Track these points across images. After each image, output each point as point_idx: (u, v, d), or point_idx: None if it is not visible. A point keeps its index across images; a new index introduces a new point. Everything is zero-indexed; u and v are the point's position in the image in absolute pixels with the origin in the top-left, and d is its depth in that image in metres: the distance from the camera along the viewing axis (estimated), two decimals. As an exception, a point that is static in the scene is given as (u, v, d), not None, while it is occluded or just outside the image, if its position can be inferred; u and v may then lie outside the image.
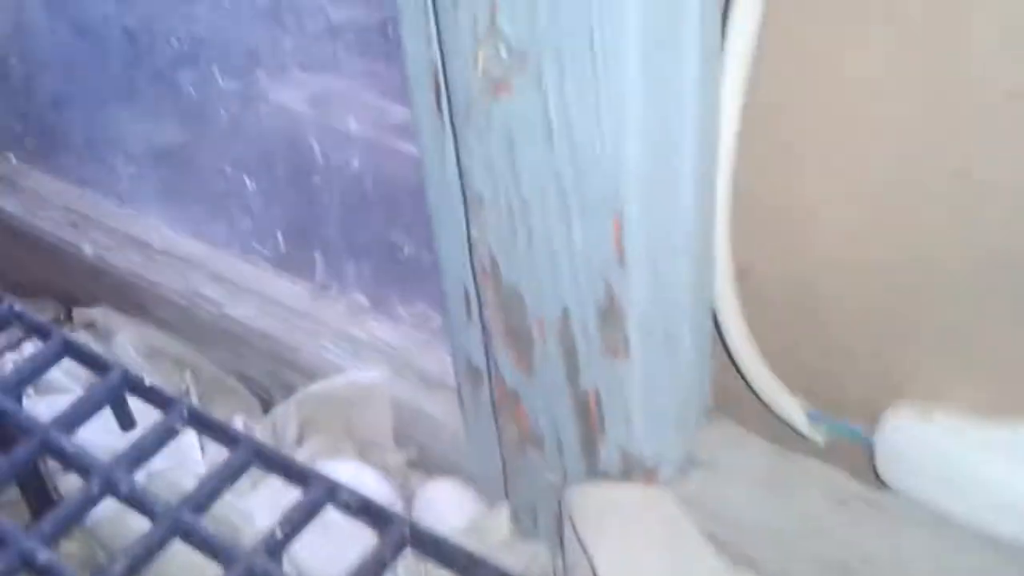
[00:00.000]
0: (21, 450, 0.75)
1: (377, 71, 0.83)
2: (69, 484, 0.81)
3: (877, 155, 0.55)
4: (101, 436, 0.83)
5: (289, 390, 0.90)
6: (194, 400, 0.93)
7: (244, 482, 0.75)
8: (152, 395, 0.79)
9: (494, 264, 0.61)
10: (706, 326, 0.62)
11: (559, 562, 0.71)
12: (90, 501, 0.72)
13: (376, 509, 0.69)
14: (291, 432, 0.86)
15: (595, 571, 0.61)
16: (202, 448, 0.83)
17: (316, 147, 0.86)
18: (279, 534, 0.68)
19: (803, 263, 0.62)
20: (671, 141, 0.52)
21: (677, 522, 0.62)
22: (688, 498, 0.63)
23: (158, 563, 0.69)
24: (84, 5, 0.96)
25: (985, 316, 0.56)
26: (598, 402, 0.62)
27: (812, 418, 0.64)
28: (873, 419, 0.62)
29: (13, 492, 0.84)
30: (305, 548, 0.71)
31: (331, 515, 0.71)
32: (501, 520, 0.77)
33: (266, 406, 0.93)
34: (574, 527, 0.64)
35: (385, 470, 0.83)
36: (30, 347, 0.94)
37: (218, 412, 0.92)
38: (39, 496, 0.84)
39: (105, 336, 0.99)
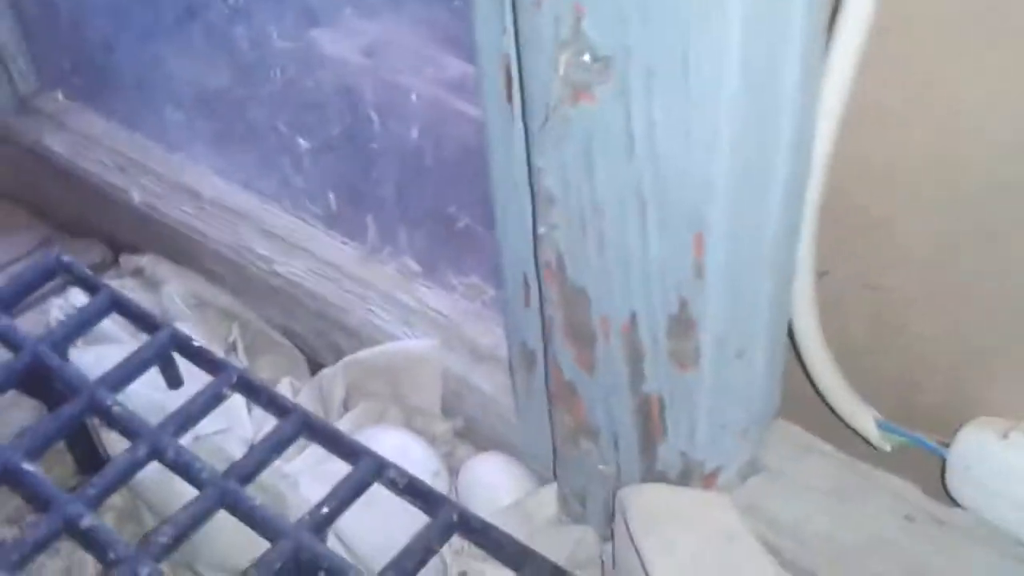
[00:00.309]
0: (67, 409, 0.75)
1: (437, 20, 0.80)
2: (114, 440, 0.81)
3: (970, 169, 0.53)
4: (148, 391, 0.83)
5: (336, 351, 0.89)
6: (240, 354, 0.92)
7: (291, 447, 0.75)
8: (201, 357, 0.78)
9: (560, 262, 0.59)
10: (781, 338, 0.60)
11: (607, 549, 0.71)
12: (136, 465, 0.72)
13: (424, 490, 0.69)
14: (338, 396, 0.85)
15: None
16: (249, 409, 0.82)
17: (371, 103, 0.83)
18: (325, 510, 0.68)
19: (885, 271, 0.60)
20: (764, 157, 0.50)
21: (735, 530, 0.61)
22: (748, 505, 0.62)
23: (203, 532, 0.70)
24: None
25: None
26: (661, 408, 0.61)
27: (882, 428, 0.62)
28: (945, 433, 0.61)
29: (59, 443, 0.84)
30: (350, 522, 0.71)
31: (378, 489, 0.71)
32: (548, 500, 0.76)
33: (312, 365, 0.92)
34: (627, 527, 0.63)
35: (432, 439, 0.83)
36: (76, 293, 0.93)
37: (264, 368, 0.92)
38: (85, 451, 0.84)
39: (152, 285, 0.98)
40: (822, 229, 0.56)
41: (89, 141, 1.03)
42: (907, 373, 0.63)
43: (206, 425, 0.75)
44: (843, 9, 0.48)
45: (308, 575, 0.65)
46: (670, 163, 0.50)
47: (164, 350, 0.79)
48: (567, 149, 0.53)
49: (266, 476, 0.72)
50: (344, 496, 0.69)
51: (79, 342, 0.87)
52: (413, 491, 0.69)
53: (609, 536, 0.71)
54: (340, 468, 0.72)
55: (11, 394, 0.81)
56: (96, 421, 0.82)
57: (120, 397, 0.76)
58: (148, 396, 0.82)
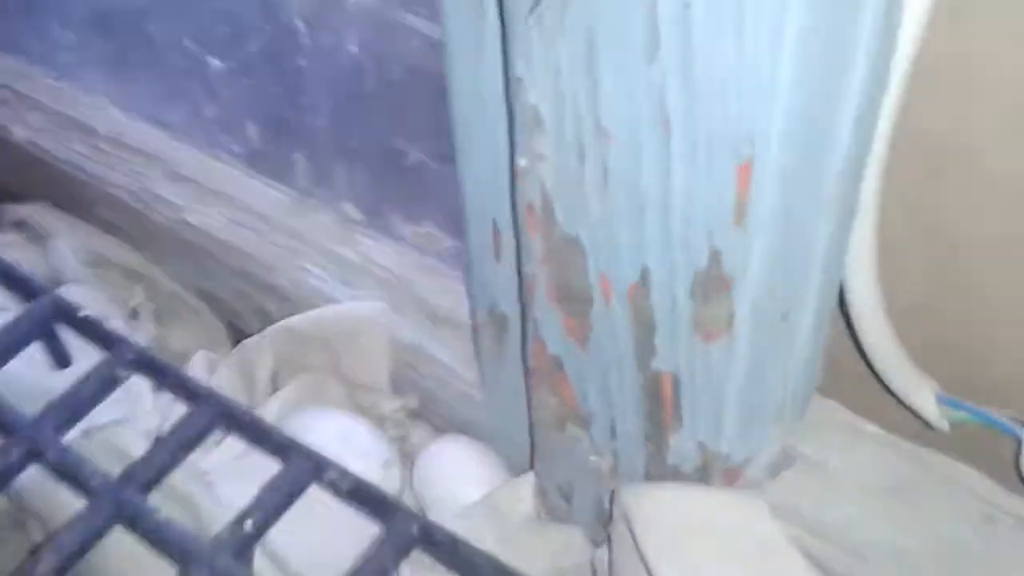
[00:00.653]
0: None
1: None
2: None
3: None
4: (30, 371, 0.68)
5: (262, 316, 0.75)
6: (146, 321, 0.77)
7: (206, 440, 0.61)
8: (90, 329, 0.64)
9: (547, 205, 0.45)
10: (833, 297, 0.47)
11: (599, 555, 0.58)
12: (9, 469, 0.57)
13: (375, 495, 0.55)
14: (264, 372, 0.71)
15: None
16: (154, 394, 0.67)
17: (298, 17, 0.68)
18: (250, 524, 0.54)
19: (958, 217, 0.47)
20: (840, 56, 0.36)
21: (775, 543, 0.48)
22: (784, 506, 0.50)
23: (97, 553, 0.55)
24: None
25: None
26: (676, 388, 0.48)
27: (944, 403, 0.50)
28: (1018, 410, 0.49)
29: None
30: (283, 535, 0.57)
31: (317, 493, 0.58)
32: (524, 494, 0.63)
33: (234, 333, 0.78)
34: (633, 533, 0.50)
35: (380, 421, 0.69)
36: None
37: (175, 338, 0.77)
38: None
39: (38, 239, 0.82)
40: (889, 177, 0.43)
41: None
42: (974, 341, 0.51)
43: (99, 415, 0.61)
44: None
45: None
46: (712, 67, 0.36)
47: (45, 321, 0.64)
48: (561, 49, 0.39)
49: (175, 479, 0.57)
50: (274, 504, 0.55)
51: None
52: (361, 495, 0.55)
53: (601, 540, 0.58)
54: (269, 462, 0.58)
55: None
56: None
57: (-8, 381, 0.61)
58: (31, 379, 0.67)
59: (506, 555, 0.54)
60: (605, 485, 0.56)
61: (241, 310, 0.77)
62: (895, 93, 0.40)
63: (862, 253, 0.45)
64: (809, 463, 0.51)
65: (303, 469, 0.56)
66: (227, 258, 0.75)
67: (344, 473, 0.56)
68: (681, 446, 0.51)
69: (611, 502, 0.55)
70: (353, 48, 0.65)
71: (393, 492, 0.63)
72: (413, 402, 0.70)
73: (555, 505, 0.62)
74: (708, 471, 0.51)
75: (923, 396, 0.50)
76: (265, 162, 0.75)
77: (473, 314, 0.62)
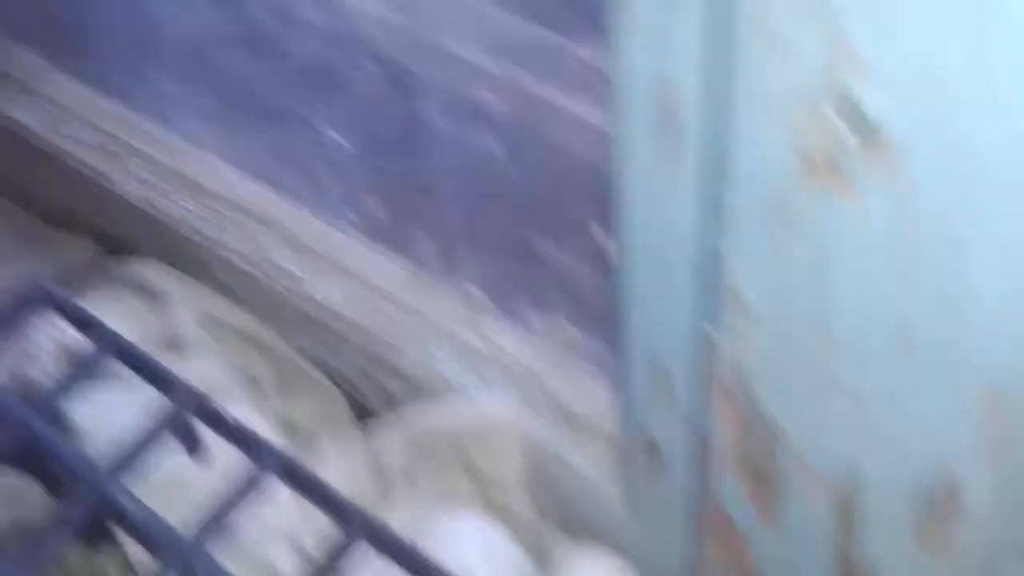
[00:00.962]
0: (73, 510, 0.58)
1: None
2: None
3: None
4: (166, 458, 0.65)
5: (383, 393, 0.71)
6: (269, 393, 0.74)
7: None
8: (231, 431, 0.61)
9: (746, 389, 0.40)
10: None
11: None
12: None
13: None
14: (395, 462, 0.67)
15: None
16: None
17: (424, 84, 0.63)
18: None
19: None
20: None
21: None
22: None
23: None
24: None
25: None
26: (876, 580, 0.43)
27: None
28: None
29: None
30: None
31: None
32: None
33: (356, 407, 0.74)
34: None
35: (513, 523, 0.65)
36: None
37: (299, 412, 0.74)
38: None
39: (151, 296, 0.79)
40: None
41: (65, 112, 0.83)
42: None
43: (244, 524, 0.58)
44: None
45: None
46: (974, 293, 0.31)
47: (180, 418, 0.62)
48: (791, 252, 0.34)
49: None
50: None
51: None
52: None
53: None
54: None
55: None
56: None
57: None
58: (168, 466, 0.64)
59: None
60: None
61: (362, 386, 0.73)
62: None
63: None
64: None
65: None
66: (348, 333, 0.71)
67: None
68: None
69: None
70: (490, 141, 0.61)
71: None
72: (547, 505, 0.66)
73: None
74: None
75: None
76: (387, 236, 0.71)
77: (621, 431, 0.58)
